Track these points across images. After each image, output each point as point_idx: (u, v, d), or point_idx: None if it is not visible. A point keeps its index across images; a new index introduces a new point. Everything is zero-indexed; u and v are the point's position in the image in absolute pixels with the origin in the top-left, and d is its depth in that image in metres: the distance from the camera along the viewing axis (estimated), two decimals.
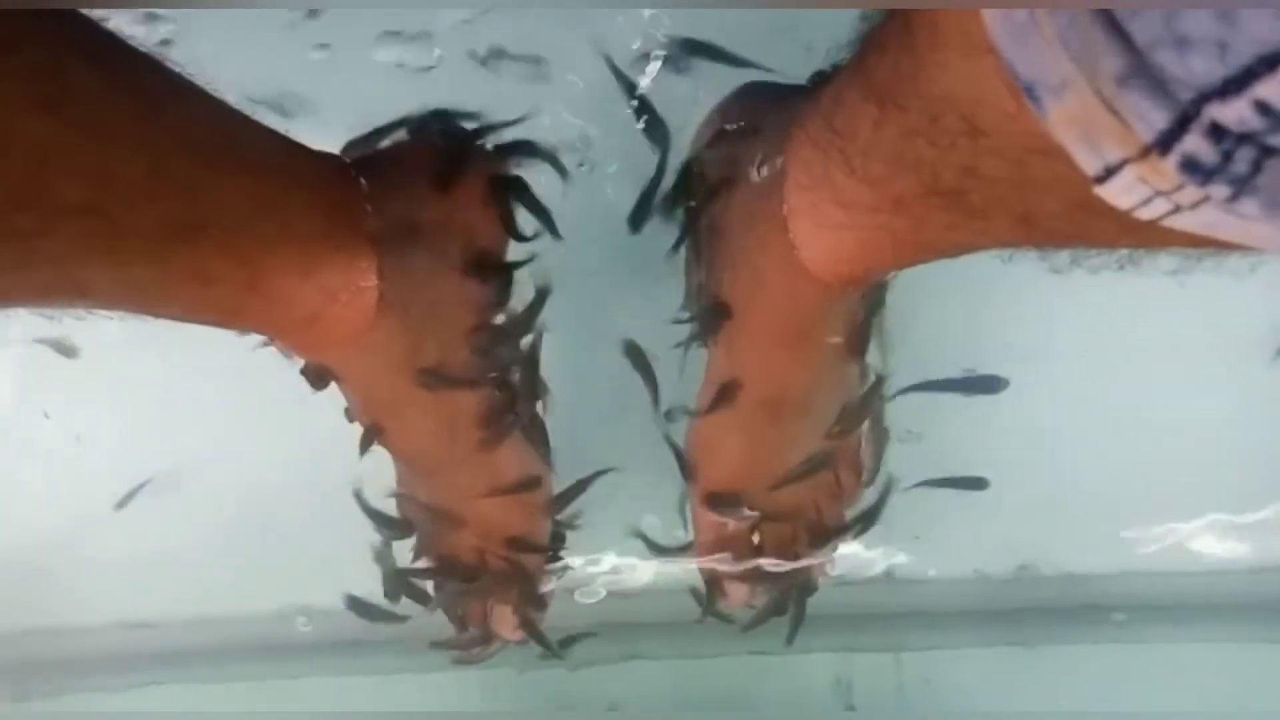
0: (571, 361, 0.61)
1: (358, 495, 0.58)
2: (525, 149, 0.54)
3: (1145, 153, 0.23)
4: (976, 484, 0.65)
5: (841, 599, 0.64)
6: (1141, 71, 0.22)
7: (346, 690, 0.69)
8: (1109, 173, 0.25)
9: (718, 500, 0.55)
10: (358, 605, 0.62)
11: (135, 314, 0.41)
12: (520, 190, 0.54)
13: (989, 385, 0.65)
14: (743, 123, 0.50)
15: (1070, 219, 0.32)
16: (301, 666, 0.69)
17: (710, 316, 0.51)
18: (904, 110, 0.34)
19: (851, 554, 0.64)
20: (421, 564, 0.58)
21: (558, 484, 0.59)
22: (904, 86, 0.34)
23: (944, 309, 0.63)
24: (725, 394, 0.53)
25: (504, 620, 0.58)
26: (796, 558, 0.56)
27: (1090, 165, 0.25)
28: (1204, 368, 0.66)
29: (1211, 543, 0.67)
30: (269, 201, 0.42)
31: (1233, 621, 0.67)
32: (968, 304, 0.63)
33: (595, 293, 0.64)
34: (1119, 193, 0.25)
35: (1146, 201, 0.25)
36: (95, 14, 0.36)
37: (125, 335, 0.63)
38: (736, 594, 0.58)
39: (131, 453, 0.69)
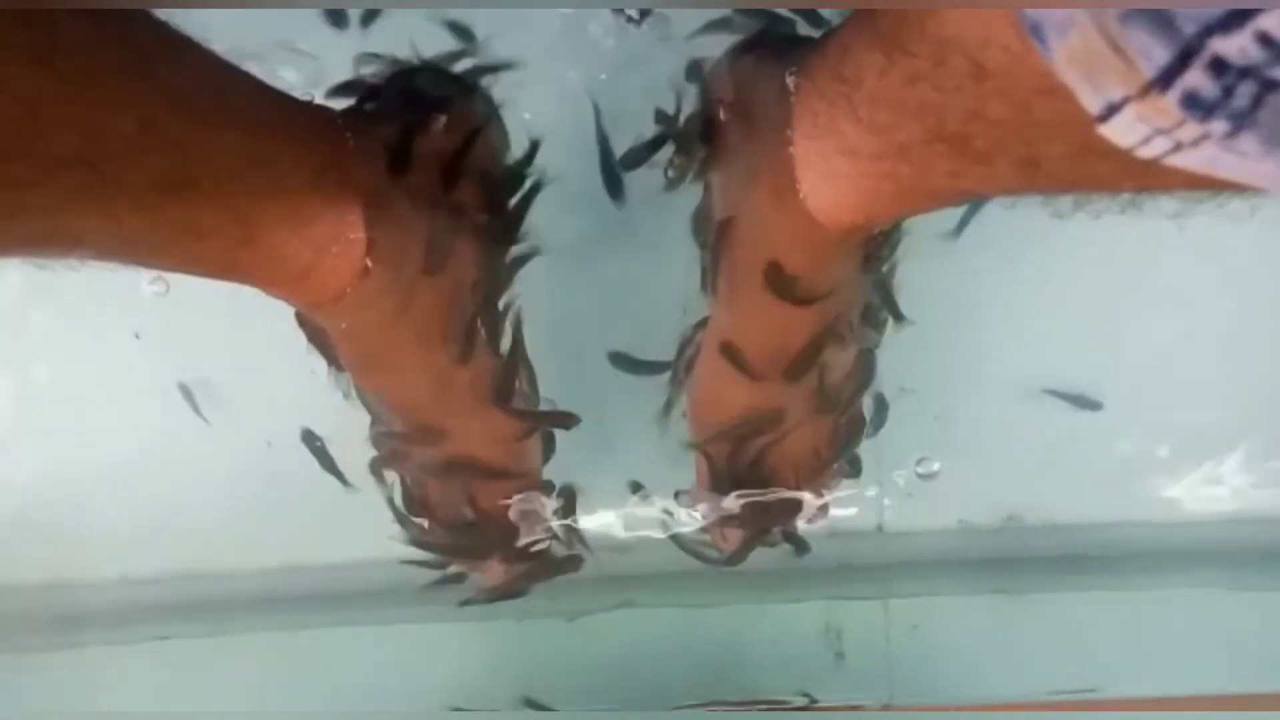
0: (567, 316, 0.63)
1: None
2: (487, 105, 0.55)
3: (1147, 89, 0.24)
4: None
5: (832, 550, 0.65)
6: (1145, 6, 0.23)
7: (348, 642, 0.69)
8: (1111, 111, 0.26)
9: (718, 437, 0.56)
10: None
11: (129, 265, 0.41)
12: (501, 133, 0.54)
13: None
14: (748, 74, 0.50)
15: (1073, 162, 0.32)
16: (303, 619, 0.70)
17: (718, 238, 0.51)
18: (910, 56, 0.35)
19: (843, 504, 0.64)
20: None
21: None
22: (910, 31, 0.34)
23: (946, 257, 0.63)
24: (728, 345, 0.53)
25: (492, 570, 0.59)
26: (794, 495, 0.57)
27: (1093, 104, 0.26)
28: (1201, 313, 0.66)
29: (1196, 492, 0.67)
30: (260, 156, 0.42)
31: (1215, 569, 0.68)
32: (970, 251, 0.63)
33: (586, 242, 0.64)
34: (1120, 131, 0.26)
35: (1147, 140, 0.26)
36: None
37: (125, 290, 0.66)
38: (734, 539, 0.58)
39: (135, 409, 0.69)
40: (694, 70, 0.55)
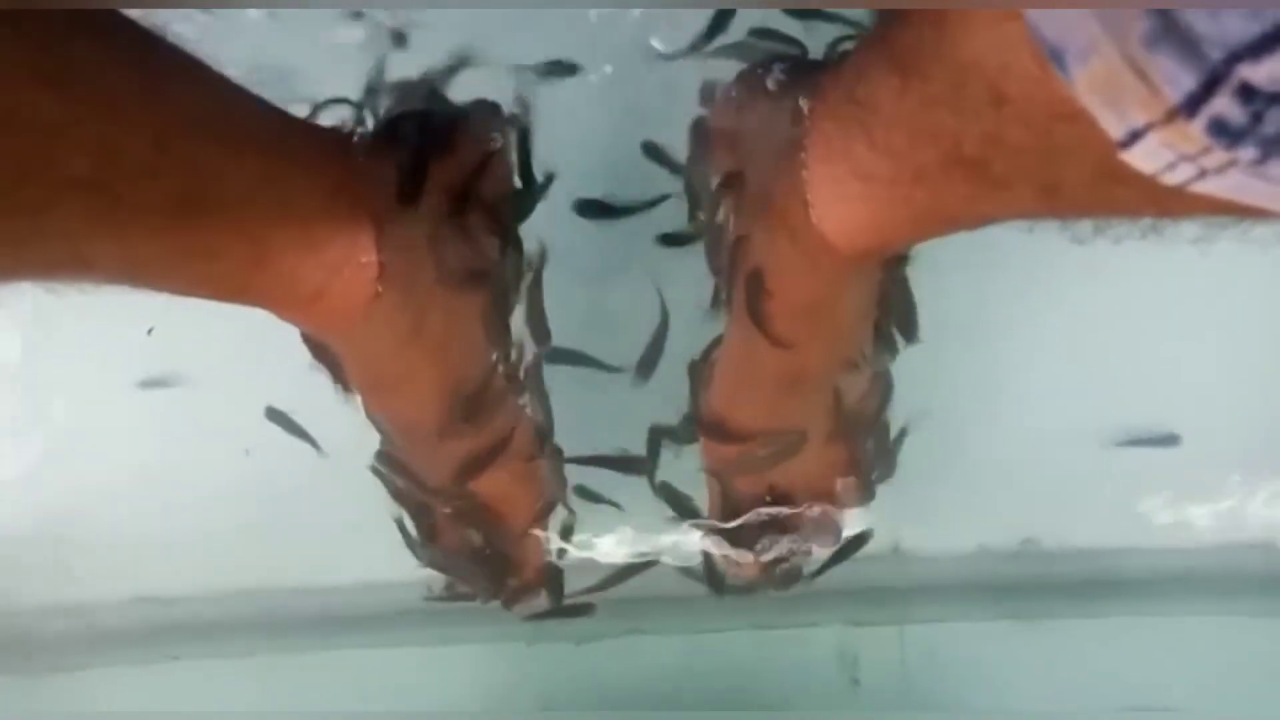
0: (578, 335, 0.62)
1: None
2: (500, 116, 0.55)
3: (1171, 116, 0.24)
4: None
5: (846, 573, 0.64)
6: (1170, 32, 0.22)
7: (358, 665, 0.69)
8: (1134, 137, 0.25)
9: (731, 462, 0.55)
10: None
11: (140, 289, 0.41)
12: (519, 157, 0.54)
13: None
14: (760, 96, 0.50)
15: (1094, 187, 0.32)
16: (317, 641, 0.70)
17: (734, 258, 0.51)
18: (927, 80, 0.34)
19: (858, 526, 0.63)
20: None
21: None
22: (927, 56, 0.34)
23: (964, 280, 0.63)
24: (742, 366, 0.53)
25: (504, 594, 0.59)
26: (808, 523, 0.56)
27: (1115, 130, 0.26)
28: (1221, 338, 0.66)
29: (1219, 517, 0.67)
30: (272, 178, 0.42)
31: (1237, 596, 0.67)
32: (988, 275, 0.63)
33: (596, 263, 0.64)
34: (1144, 157, 0.26)
35: (1171, 166, 0.25)
36: None
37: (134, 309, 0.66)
38: (747, 566, 0.58)
39: (150, 426, 0.69)
40: (707, 94, 0.55)
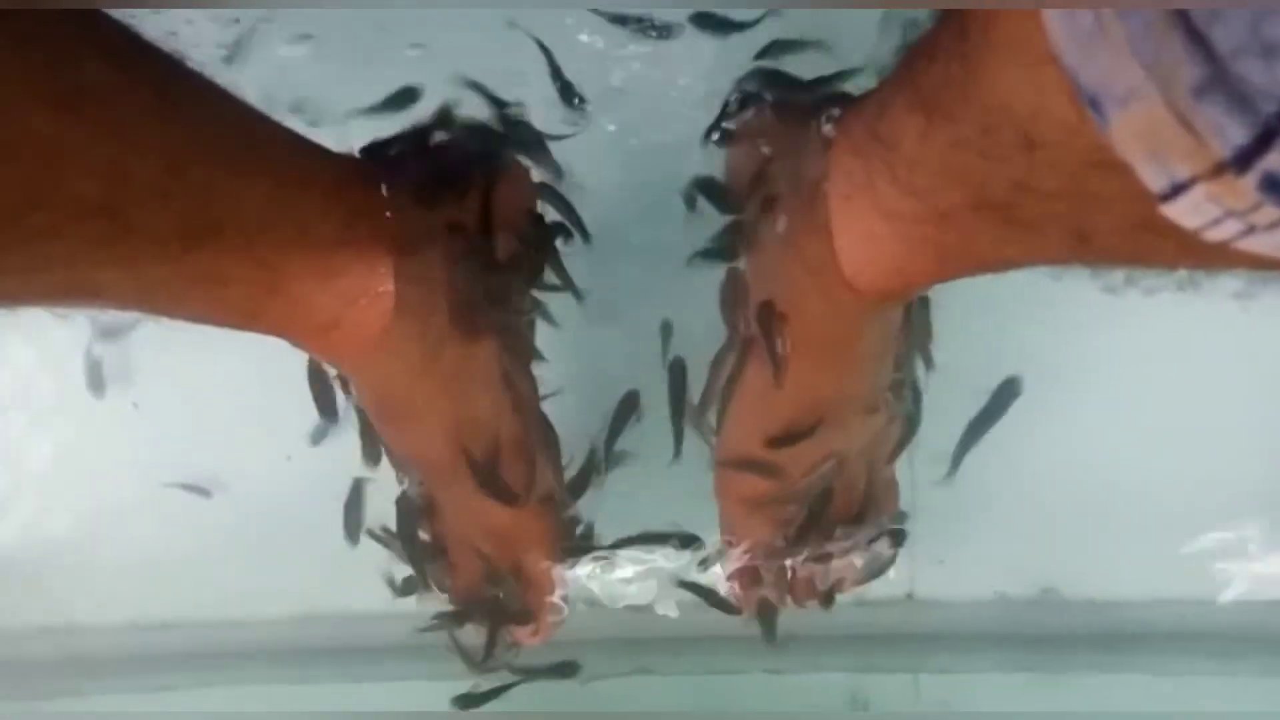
0: (592, 369, 0.61)
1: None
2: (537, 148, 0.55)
3: (1219, 170, 0.22)
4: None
5: (860, 618, 0.64)
6: (1221, 82, 0.21)
7: (358, 696, 0.68)
8: (1176, 190, 0.24)
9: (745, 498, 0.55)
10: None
11: (150, 315, 0.41)
12: (547, 192, 0.54)
13: (1009, 392, 0.62)
14: (784, 129, 0.49)
15: (1128, 237, 0.30)
16: (316, 671, 0.69)
17: (763, 320, 0.50)
18: (953, 120, 0.33)
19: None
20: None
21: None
22: (954, 95, 0.33)
23: (987, 326, 0.61)
24: (757, 404, 0.52)
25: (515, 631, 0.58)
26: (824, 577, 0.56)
27: (1156, 182, 0.24)
28: (1257, 393, 0.64)
29: (1247, 573, 0.65)
30: (287, 204, 0.42)
31: (1263, 655, 0.66)
32: (1012, 322, 0.62)
33: (621, 294, 0.63)
34: (1186, 212, 0.24)
35: (1217, 222, 0.24)
36: (115, 11, 0.35)
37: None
38: (764, 604, 0.57)
39: (151, 453, 0.68)
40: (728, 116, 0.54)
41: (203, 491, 0.67)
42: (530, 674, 0.60)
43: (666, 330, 0.60)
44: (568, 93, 0.61)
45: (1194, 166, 0.23)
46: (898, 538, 0.57)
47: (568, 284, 0.56)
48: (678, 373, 0.59)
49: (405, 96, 0.59)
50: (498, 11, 0.61)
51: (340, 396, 0.56)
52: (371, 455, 0.56)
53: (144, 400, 0.68)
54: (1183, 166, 0.23)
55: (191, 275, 0.39)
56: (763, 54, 0.57)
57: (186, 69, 0.38)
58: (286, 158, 0.43)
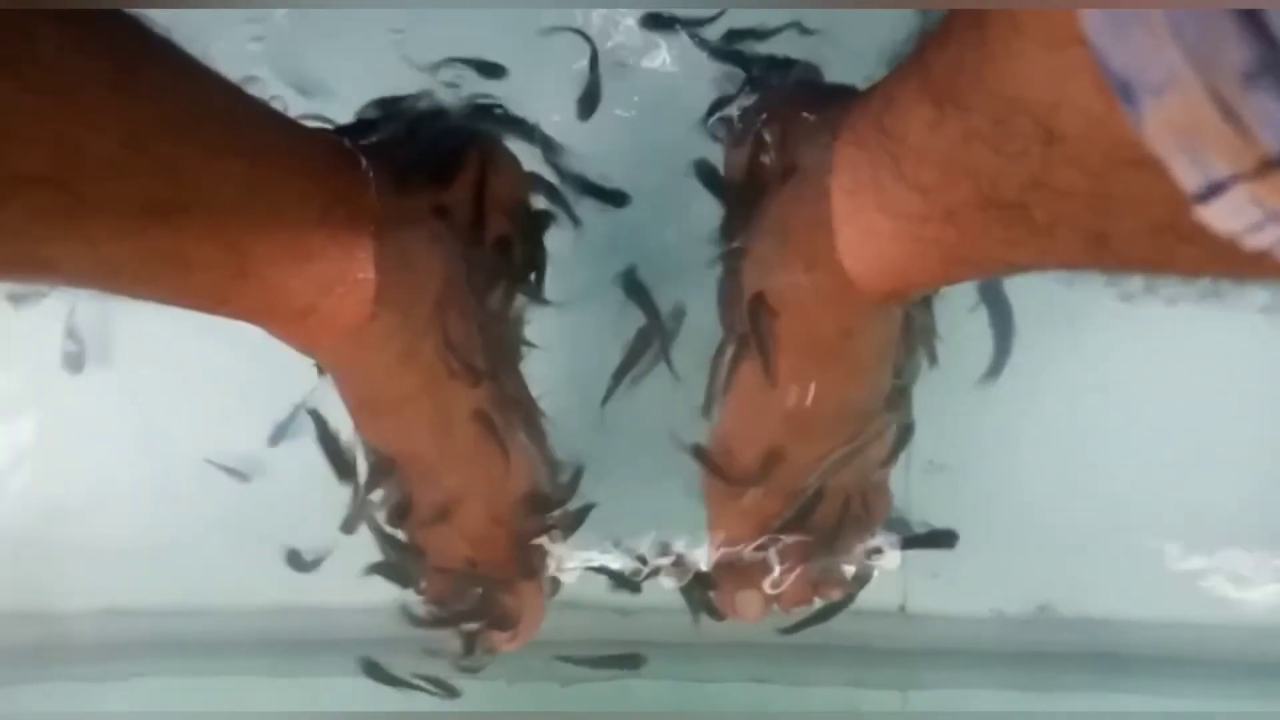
0: (581, 364, 0.60)
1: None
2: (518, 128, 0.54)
3: (1265, 168, 0.20)
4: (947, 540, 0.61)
5: (851, 630, 0.62)
6: (1277, 67, 0.19)
7: (335, 691, 0.67)
8: (1212, 191, 0.22)
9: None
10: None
11: (113, 294, 0.40)
12: (538, 180, 0.53)
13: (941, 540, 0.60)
14: (787, 120, 0.47)
15: (1151, 242, 0.28)
16: (291, 665, 0.68)
17: (753, 318, 0.49)
18: (964, 111, 0.31)
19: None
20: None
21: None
22: (966, 83, 0.30)
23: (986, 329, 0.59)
24: (750, 402, 0.51)
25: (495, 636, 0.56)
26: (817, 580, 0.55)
27: (1190, 180, 0.22)
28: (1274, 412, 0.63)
29: (1248, 597, 0.64)
30: (261, 185, 0.40)
31: (1264, 680, 0.64)
32: (1018, 328, 0.60)
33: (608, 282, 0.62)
34: (1224, 215, 0.22)
35: (1257, 227, 0.22)
36: None
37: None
38: (749, 608, 0.55)
39: (123, 436, 0.68)
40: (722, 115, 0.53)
41: (242, 475, 0.66)
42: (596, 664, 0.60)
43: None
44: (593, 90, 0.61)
45: (1236, 163, 0.21)
46: (945, 540, 0.57)
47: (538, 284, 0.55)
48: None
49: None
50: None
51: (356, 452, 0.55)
52: (344, 470, 0.55)
53: (124, 383, 0.67)
54: (1222, 163, 0.21)
55: (155, 255, 0.38)
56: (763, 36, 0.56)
57: (156, 38, 0.36)
58: (261, 135, 0.41)
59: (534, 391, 0.55)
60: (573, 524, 0.58)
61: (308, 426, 0.56)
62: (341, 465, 0.55)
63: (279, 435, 0.63)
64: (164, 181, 0.36)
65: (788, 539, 0.54)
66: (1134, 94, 0.22)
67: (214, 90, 0.39)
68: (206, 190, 0.38)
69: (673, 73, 0.61)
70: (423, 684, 0.60)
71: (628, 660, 0.65)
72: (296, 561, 0.64)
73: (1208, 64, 0.20)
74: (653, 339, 0.58)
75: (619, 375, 0.58)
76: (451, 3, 0.60)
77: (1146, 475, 0.64)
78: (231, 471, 0.65)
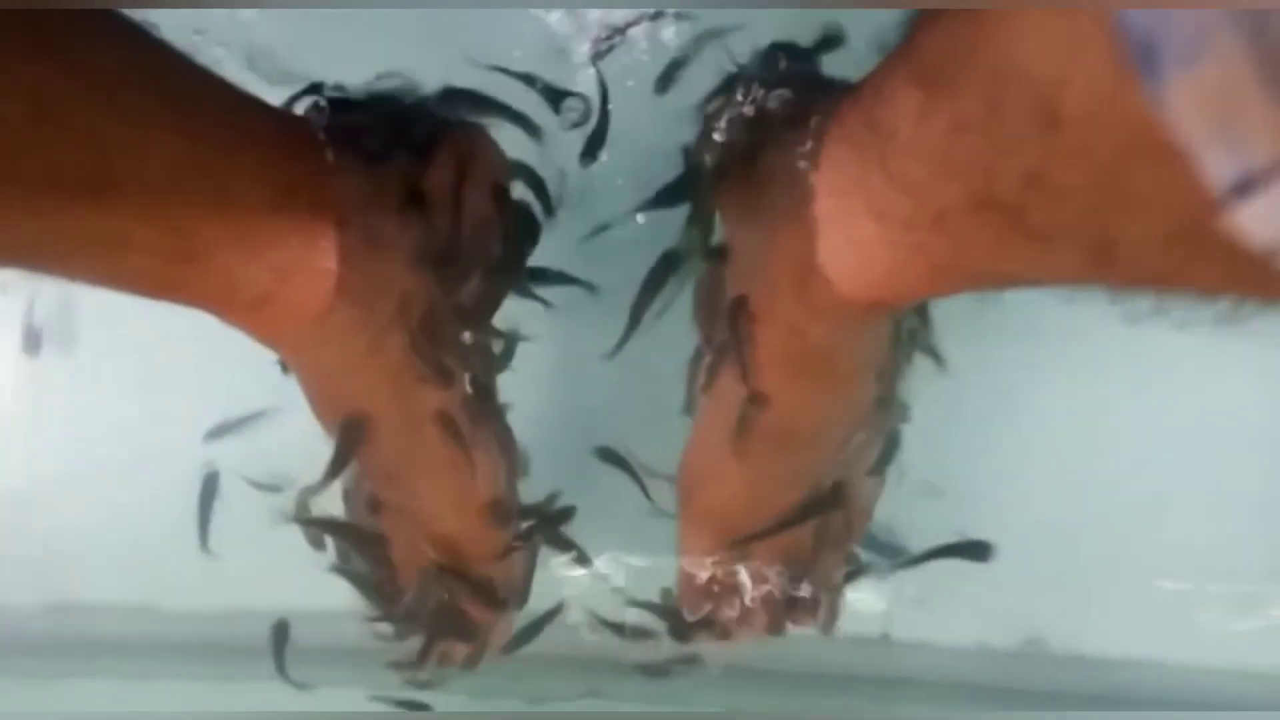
0: (553, 373, 0.60)
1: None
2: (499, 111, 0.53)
3: None
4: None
5: (830, 658, 0.63)
6: None
7: (291, 699, 0.64)
8: (1248, 186, 0.18)
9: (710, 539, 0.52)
10: None
11: (47, 275, 0.38)
12: (517, 167, 0.52)
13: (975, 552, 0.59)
14: (768, 110, 0.46)
15: (1165, 253, 0.25)
16: (246, 670, 0.65)
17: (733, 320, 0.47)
18: (956, 95, 0.28)
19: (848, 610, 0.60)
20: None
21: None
22: (959, 61, 0.28)
23: (979, 354, 0.58)
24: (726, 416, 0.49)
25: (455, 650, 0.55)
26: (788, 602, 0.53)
27: (1221, 170, 0.19)
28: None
29: (1250, 637, 0.63)
30: (206, 164, 0.38)
31: None
32: (1009, 350, 0.59)
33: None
34: (1260, 219, 0.18)
35: None
36: None
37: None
38: (721, 630, 0.54)
39: (80, 427, 0.67)
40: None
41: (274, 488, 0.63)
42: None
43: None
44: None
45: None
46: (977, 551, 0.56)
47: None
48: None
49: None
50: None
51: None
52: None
53: (80, 370, 0.66)
54: (1265, 149, 0.18)
55: (80, 234, 0.36)
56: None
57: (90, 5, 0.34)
58: (209, 111, 0.39)
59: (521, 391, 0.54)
60: (544, 538, 0.56)
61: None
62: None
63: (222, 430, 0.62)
64: (86, 156, 0.34)
65: (761, 558, 0.52)
66: (1158, 61, 0.18)
67: (150, 61, 0.37)
68: (139, 167, 0.36)
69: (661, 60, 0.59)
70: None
71: (599, 681, 0.64)
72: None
73: (1254, 24, 0.16)
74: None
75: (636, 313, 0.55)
76: (452, 3, 0.59)
77: (1147, 512, 0.63)
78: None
